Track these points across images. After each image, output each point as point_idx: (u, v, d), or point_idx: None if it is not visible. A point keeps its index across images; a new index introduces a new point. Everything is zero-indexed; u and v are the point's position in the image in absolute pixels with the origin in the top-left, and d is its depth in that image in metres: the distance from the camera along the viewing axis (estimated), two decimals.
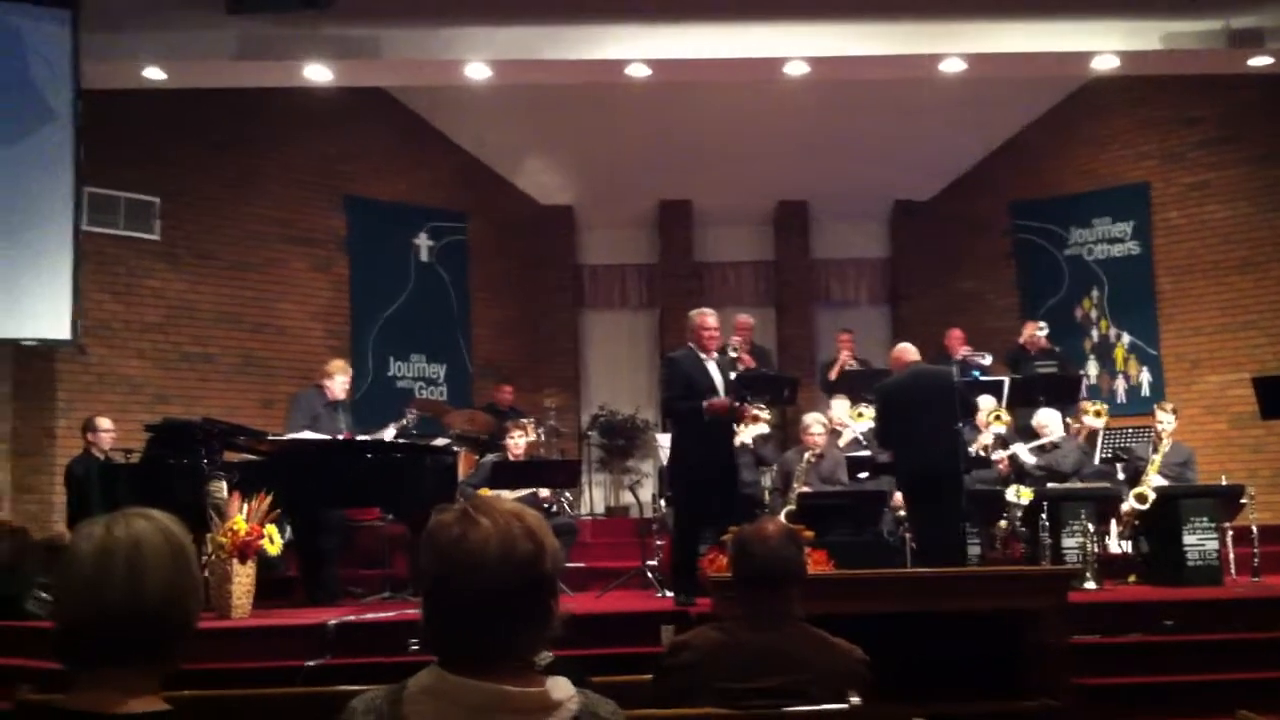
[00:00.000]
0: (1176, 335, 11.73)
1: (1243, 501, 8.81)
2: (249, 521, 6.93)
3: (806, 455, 9.22)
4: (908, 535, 8.77)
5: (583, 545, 9.77)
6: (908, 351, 8.45)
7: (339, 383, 8.88)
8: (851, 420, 10.11)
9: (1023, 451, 9.44)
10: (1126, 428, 10.72)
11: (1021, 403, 9.95)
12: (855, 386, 10.87)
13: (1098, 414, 9.86)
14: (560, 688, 1.86)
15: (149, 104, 10.03)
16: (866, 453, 9.87)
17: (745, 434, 9.68)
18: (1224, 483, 9.11)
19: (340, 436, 8.53)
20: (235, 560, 6.88)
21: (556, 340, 13.35)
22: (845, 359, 11.42)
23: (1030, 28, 8.47)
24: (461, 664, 1.81)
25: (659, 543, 8.88)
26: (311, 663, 6.14)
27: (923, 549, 8.23)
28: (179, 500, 7.06)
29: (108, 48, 8.38)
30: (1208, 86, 11.20)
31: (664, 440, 10.59)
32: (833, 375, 11.43)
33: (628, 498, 11.78)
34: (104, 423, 9.11)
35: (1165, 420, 9.34)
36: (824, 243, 13.73)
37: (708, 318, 7.64)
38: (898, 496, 9.38)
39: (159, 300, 10.67)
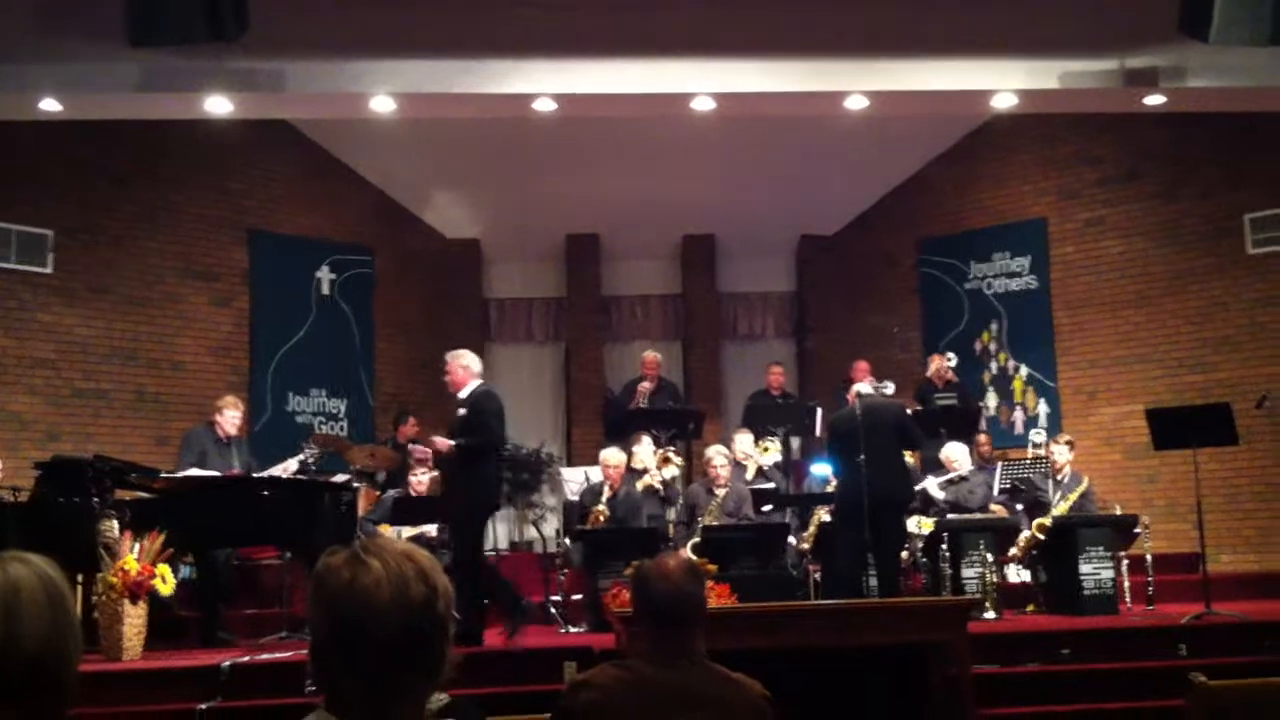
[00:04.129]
0: (1073, 368, 11.97)
1: (1137, 531, 8.99)
2: (141, 561, 6.76)
3: (719, 493, 9.23)
4: (811, 568, 8.83)
5: None
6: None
7: (229, 418, 8.74)
8: (757, 454, 10.17)
9: (932, 486, 9.57)
10: (1024, 459, 10.93)
11: (924, 435, 10.09)
12: (764, 420, 10.94)
13: None
14: None
15: (44, 136, 9.80)
16: (771, 485, 9.94)
17: (655, 478, 9.72)
18: (1119, 512, 9.29)
19: (232, 474, 8.38)
20: (126, 600, 6.70)
21: None
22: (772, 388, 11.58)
23: (932, 66, 8.60)
24: (350, 708, 1.77)
25: (562, 578, 8.85)
26: (204, 706, 5.98)
27: (833, 577, 8.31)
28: (69, 540, 6.89)
29: (2, 78, 8.16)
30: (1107, 125, 11.48)
31: (570, 475, 10.60)
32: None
33: (532, 533, 11.70)
34: None
35: (1058, 453, 9.53)
36: (731, 277, 13.81)
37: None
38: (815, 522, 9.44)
39: (50, 335, 10.39)
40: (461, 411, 7.72)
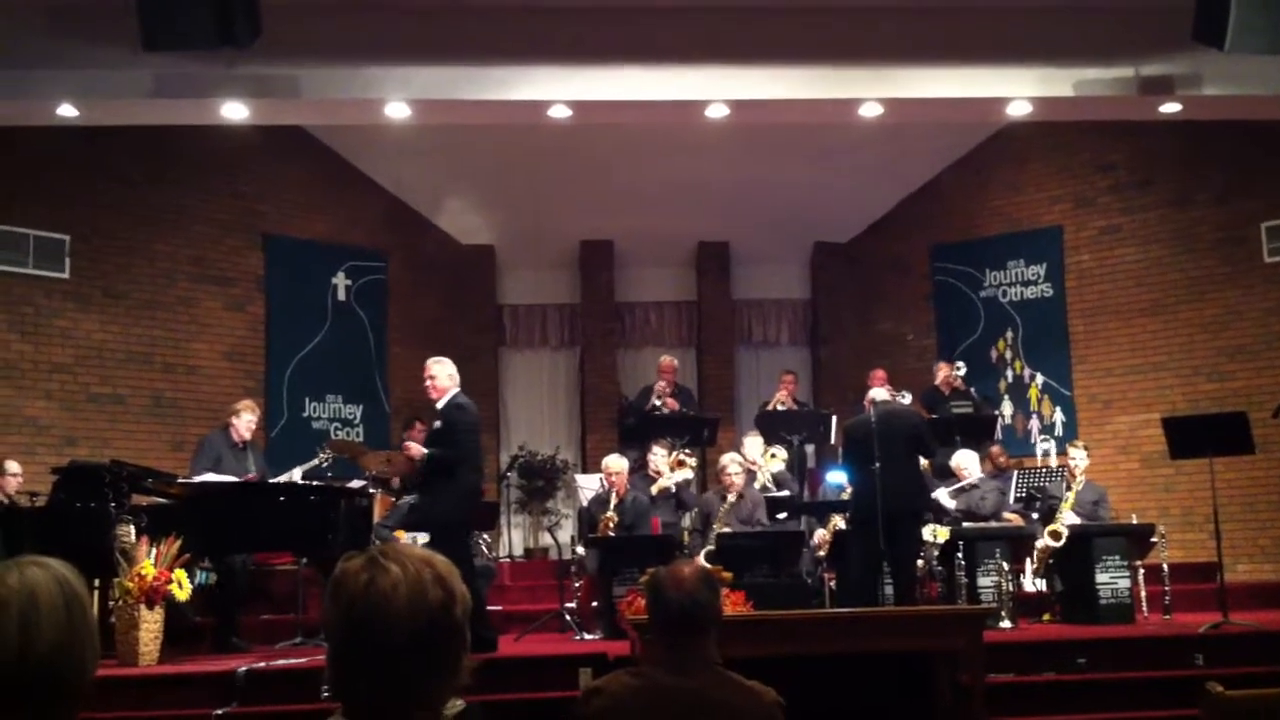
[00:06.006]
0: (1089, 376, 11.94)
1: (1154, 540, 8.95)
2: (158, 566, 6.77)
3: (729, 498, 9.22)
4: (827, 576, 8.80)
5: (501, 588, 9.69)
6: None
7: (245, 422, 8.72)
8: (762, 461, 10.13)
9: (943, 496, 9.53)
10: (1040, 467, 10.88)
11: (938, 443, 10.06)
12: (778, 427, 10.91)
13: None
14: None
15: (61, 141, 9.84)
16: (784, 493, 9.91)
17: (668, 479, 9.72)
18: (1135, 521, 9.25)
19: (247, 478, 8.39)
20: (143, 606, 6.71)
21: (476, 380, 13.17)
22: (780, 399, 11.51)
23: (946, 73, 8.58)
24: (367, 713, 1.77)
25: (578, 585, 8.85)
26: (220, 711, 6.00)
27: (847, 585, 8.29)
28: (85, 545, 6.91)
29: (19, 85, 8.20)
30: (1122, 132, 11.46)
31: (584, 481, 10.60)
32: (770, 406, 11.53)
33: (547, 539, 11.70)
34: (12, 466, 8.89)
35: (1077, 457, 9.48)
36: (745, 284, 13.80)
37: None
38: (819, 535, 9.43)
39: (67, 340, 10.43)
40: (436, 423, 7.59)
